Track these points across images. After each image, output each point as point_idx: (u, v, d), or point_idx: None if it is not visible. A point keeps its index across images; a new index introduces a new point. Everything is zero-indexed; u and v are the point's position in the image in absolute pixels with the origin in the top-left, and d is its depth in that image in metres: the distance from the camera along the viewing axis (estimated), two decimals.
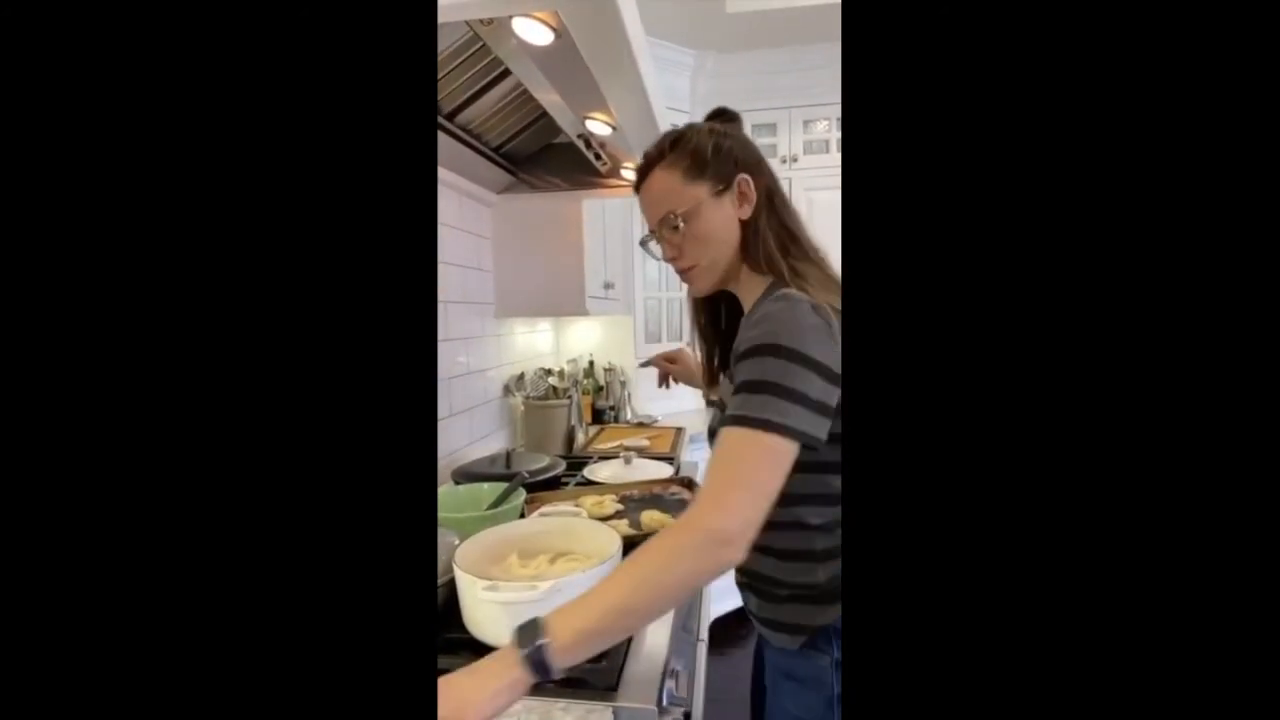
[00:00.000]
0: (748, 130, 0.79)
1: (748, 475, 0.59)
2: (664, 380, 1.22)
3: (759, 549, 0.71)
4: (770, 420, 0.59)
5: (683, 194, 0.72)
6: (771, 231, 0.72)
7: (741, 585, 0.80)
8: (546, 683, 0.50)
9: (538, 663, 0.51)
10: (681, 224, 0.72)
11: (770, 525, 0.66)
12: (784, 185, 0.77)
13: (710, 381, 0.85)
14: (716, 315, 0.83)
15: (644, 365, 1.25)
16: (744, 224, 0.73)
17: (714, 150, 0.72)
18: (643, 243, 0.79)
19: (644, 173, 0.76)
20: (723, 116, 0.79)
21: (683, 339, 2.62)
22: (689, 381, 1.20)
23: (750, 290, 0.75)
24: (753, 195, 0.72)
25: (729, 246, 0.73)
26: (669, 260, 0.77)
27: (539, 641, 0.51)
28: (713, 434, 0.73)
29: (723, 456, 0.61)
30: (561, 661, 0.52)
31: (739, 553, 0.56)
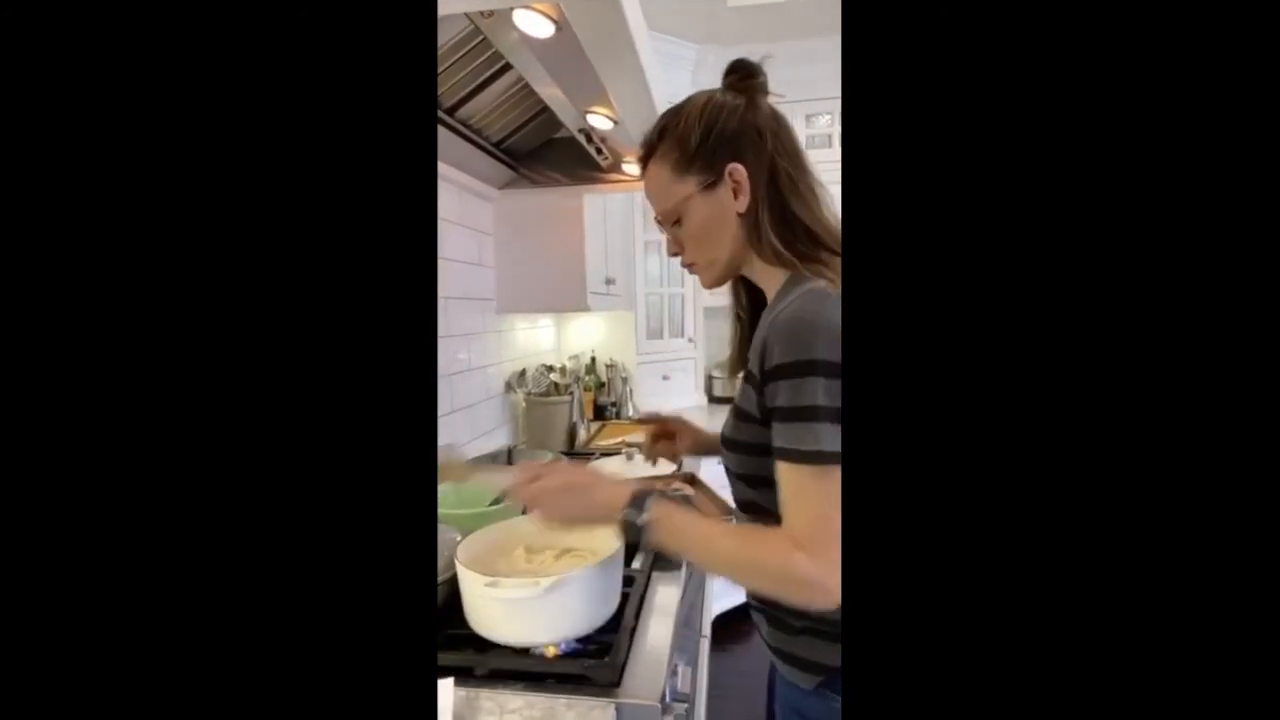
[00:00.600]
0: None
1: (828, 520, 0.54)
2: (653, 456, 0.99)
3: None
4: (823, 451, 0.54)
5: (672, 191, 0.67)
6: (774, 223, 0.64)
7: (752, 608, 0.74)
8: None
9: (633, 526, 0.62)
10: (675, 223, 0.68)
11: None
12: None
13: (731, 370, 0.78)
14: (746, 300, 0.76)
15: (641, 421, 1.00)
16: (743, 215, 0.66)
17: (701, 138, 0.65)
18: (658, 225, 0.74)
19: (644, 162, 0.71)
20: (737, 74, 0.69)
21: (684, 335, 2.62)
22: (695, 453, 0.99)
23: (769, 280, 0.68)
24: (746, 184, 0.64)
25: (728, 242, 0.67)
26: (671, 256, 0.72)
27: (642, 518, 0.61)
28: (727, 442, 0.68)
29: (794, 498, 0.57)
30: (646, 541, 0.62)
31: (831, 601, 0.54)
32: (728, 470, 0.71)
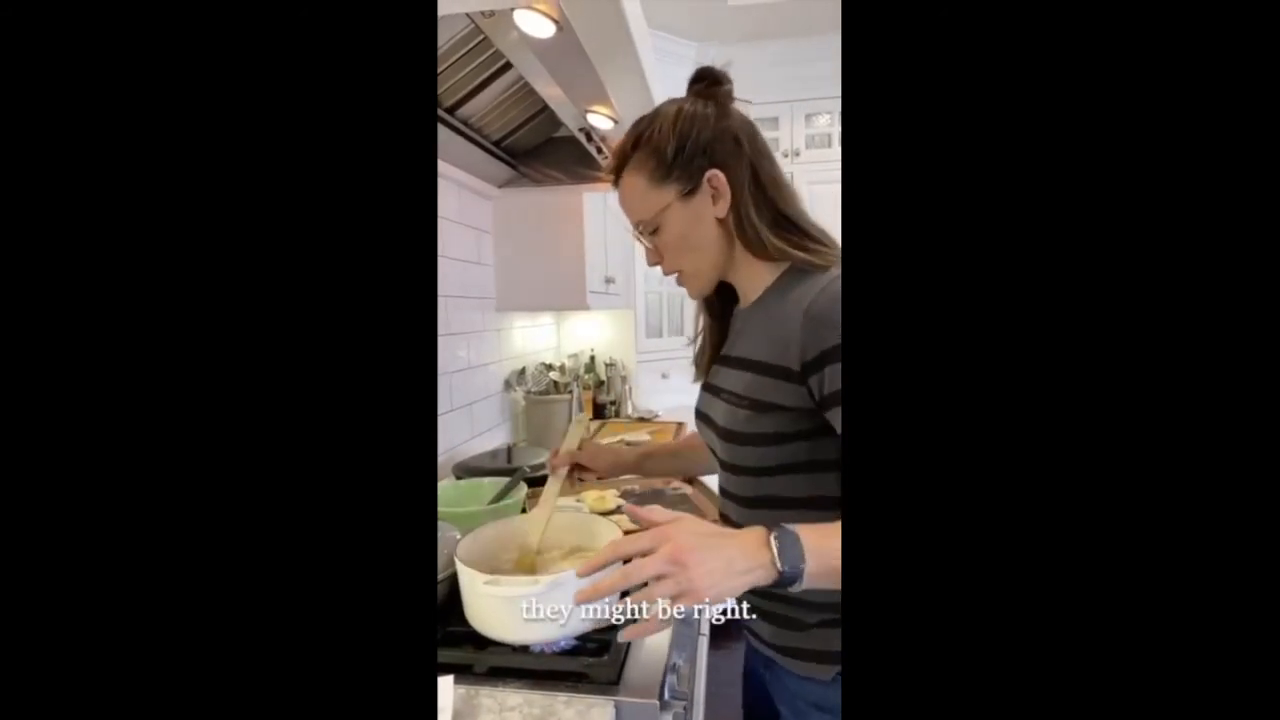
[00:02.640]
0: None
1: None
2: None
3: None
4: None
5: (649, 201, 0.67)
6: (765, 219, 0.65)
7: (755, 614, 0.68)
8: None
9: (790, 576, 0.50)
10: (653, 232, 0.68)
11: None
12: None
13: (705, 371, 0.78)
14: (719, 307, 0.77)
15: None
16: (725, 220, 0.66)
17: (677, 147, 0.65)
18: (635, 235, 0.74)
19: (616, 172, 0.70)
20: (703, 82, 0.69)
21: (684, 333, 2.62)
22: (616, 474, 0.98)
23: (754, 280, 0.68)
24: (726, 189, 0.65)
25: (710, 248, 0.67)
26: (651, 264, 0.72)
27: (800, 566, 0.50)
28: (735, 436, 0.67)
29: None
30: (809, 584, 0.51)
31: None
32: (732, 467, 0.69)
